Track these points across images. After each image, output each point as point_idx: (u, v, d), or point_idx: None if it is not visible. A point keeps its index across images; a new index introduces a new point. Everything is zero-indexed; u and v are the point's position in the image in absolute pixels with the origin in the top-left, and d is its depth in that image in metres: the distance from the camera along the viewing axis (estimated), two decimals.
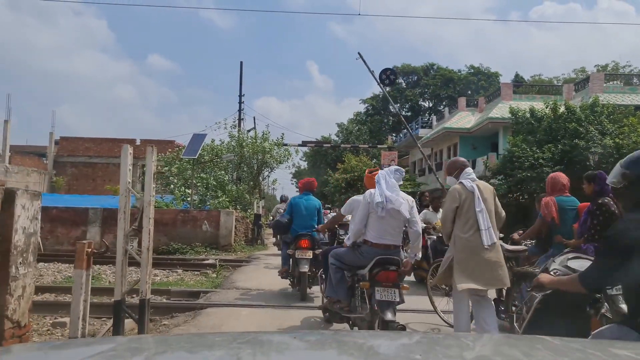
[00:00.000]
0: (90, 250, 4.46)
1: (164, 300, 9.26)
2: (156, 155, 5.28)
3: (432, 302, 7.05)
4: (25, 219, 4.62)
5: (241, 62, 33.12)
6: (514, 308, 5.72)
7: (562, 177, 5.98)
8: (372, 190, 5.21)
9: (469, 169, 5.22)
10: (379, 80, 17.40)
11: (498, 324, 5.44)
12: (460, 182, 5.13)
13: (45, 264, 13.70)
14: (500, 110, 30.56)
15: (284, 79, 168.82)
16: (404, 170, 5.52)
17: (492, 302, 5.26)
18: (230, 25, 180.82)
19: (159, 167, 27.38)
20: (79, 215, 18.38)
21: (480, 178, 5.65)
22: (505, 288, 5.67)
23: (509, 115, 24.20)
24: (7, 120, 33.67)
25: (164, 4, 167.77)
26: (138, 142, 39.82)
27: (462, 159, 5.53)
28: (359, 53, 16.36)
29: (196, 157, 20.48)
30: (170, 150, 29.67)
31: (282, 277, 9.14)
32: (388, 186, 5.13)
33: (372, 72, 16.95)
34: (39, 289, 9.52)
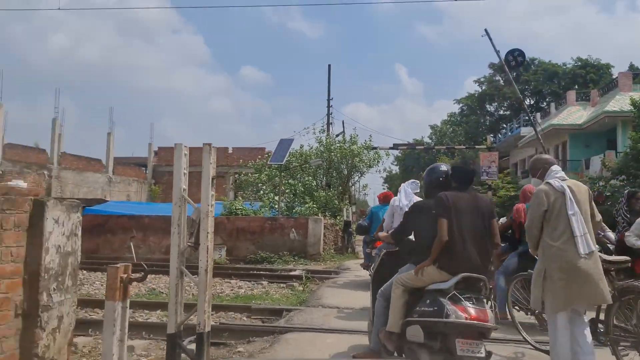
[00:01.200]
0: (125, 276, 3.54)
1: (244, 319, 8.42)
2: (214, 157, 4.32)
3: (518, 328, 6.17)
4: (60, 235, 3.80)
5: (329, 65, 32.26)
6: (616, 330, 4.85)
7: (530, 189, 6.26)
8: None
9: (556, 167, 4.67)
10: (504, 62, 17.23)
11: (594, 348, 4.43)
12: (547, 183, 4.54)
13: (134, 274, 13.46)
14: (618, 102, 27.37)
15: (372, 84, 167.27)
16: (418, 182, 6.78)
17: (588, 322, 4.52)
18: (318, 35, 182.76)
19: (249, 175, 27.21)
20: (169, 223, 18.27)
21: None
22: (605, 306, 4.84)
23: (630, 108, 21.35)
24: (109, 133, 35.28)
25: (255, 17, 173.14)
26: (230, 151, 40.41)
27: (545, 156, 5.14)
28: (485, 30, 16.62)
29: (283, 162, 19.85)
30: (259, 157, 29.49)
31: (364, 269, 11.53)
32: (406, 195, 6.50)
33: (497, 52, 17.07)
34: None
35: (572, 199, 4.39)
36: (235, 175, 32.44)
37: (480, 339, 3.90)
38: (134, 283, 3.98)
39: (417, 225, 4.59)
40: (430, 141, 61.08)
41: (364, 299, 9.10)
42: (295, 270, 14.70)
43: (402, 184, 6.96)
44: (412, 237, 4.77)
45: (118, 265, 3.63)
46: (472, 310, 3.89)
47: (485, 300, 4.14)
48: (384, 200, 10.52)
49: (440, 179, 4.63)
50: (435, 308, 3.96)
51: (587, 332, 4.35)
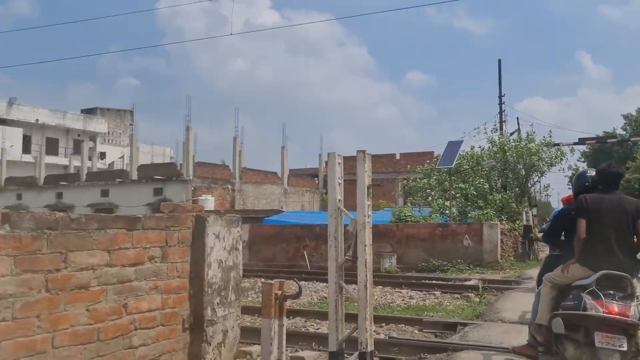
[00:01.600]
0: (280, 292, 3.41)
1: (415, 332, 8.01)
2: (369, 164, 4.05)
3: None
4: (221, 250, 3.83)
5: (499, 60, 30.31)
6: None
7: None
8: None
9: None
10: None
11: None
12: None
13: (306, 282, 13.84)
14: None
15: (549, 76, 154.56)
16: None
17: None
18: (485, 31, 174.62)
19: (417, 180, 26.65)
20: None
21: None
22: None
23: None
24: (283, 147, 37.42)
25: (418, 21, 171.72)
26: (398, 157, 40.24)
27: None
28: None
29: (452, 166, 19.00)
30: (427, 161, 28.77)
31: None
32: None
33: None
34: (291, 312, 9.25)
35: None
36: (404, 182, 32.09)
37: (622, 334, 3.98)
38: (305, 297, 3.86)
39: (565, 227, 5.13)
40: (624, 133, 54.21)
41: None
42: (470, 279, 13.84)
43: None
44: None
45: (272, 282, 3.51)
46: (611, 306, 4.04)
47: (631, 298, 4.17)
48: (569, 202, 9.53)
49: (586, 184, 5.00)
50: (576, 302, 4.25)
51: None
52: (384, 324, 8.48)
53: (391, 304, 10.96)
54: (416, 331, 8.10)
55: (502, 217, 20.40)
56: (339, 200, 4.20)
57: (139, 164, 31.82)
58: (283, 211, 27.46)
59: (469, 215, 20.55)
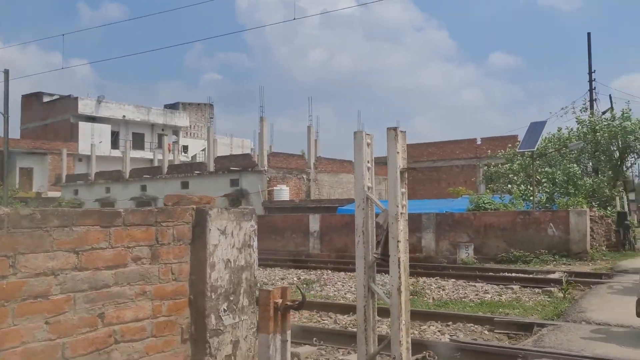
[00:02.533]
0: (281, 301, 2.87)
1: (485, 332, 7.24)
2: (404, 143, 3.40)
3: None
4: (229, 247, 3.34)
5: (588, 34, 27.78)
6: None
7: None
8: None
9: None
10: None
11: None
12: None
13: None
14: None
15: None
16: None
17: None
18: (575, 6, 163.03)
19: (499, 166, 25.12)
20: (413, 221, 17.78)
21: None
22: None
23: None
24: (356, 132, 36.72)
25: (499, 1, 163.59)
26: (479, 142, 38.31)
27: None
28: None
29: (535, 149, 17.56)
30: (510, 145, 27.05)
31: None
32: None
33: None
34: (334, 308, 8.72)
35: None
36: (484, 167, 30.44)
37: None
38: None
39: None
40: None
41: None
42: (554, 272, 12.63)
43: None
44: None
45: (271, 288, 2.96)
46: None
47: None
48: None
49: None
50: None
51: None
52: (450, 323, 7.76)
53: (463, 299, 10.15)
54: (486, 332, 7.32)
55: (593, 203, 18.65)
56: (368, 187, 3.59)
57: (218, 155, 32.44)
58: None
59: (556, 202, 18.99)
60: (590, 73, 28.26)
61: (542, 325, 7.01)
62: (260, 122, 29.43)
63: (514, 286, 10.94)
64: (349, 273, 13.50)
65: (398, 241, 3.29)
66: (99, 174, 37.55)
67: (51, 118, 46.23)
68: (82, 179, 38.85)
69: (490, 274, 12.77)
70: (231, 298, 3.34)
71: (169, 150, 36.97)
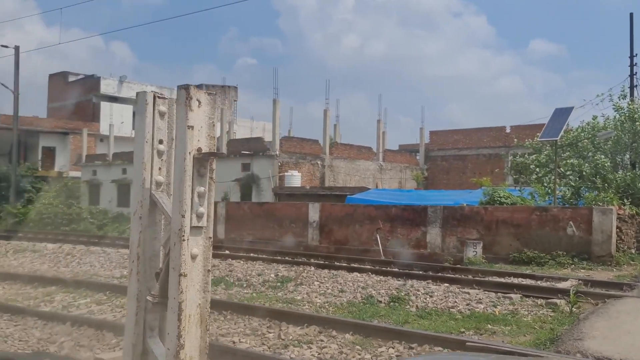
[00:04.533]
0: None
1: None
2: (210, 110, 2.00)
3: None
4: None
5: (631, 14, 25.35)
6: None
7: None
8: None
9: None
10: None
11: None
12: None
13: (376, 276, 11.87)
14: None
15: None
16: None
17: None
18: None
19: (525, 156, 23.17)
20: (418, 214, 16.26)
21: None
22: None
23: None
24: (379, 120, 35.12)
25: None
26: (508, 130, 36.10)
27: None
28: None
29: (558, 138, 15.71)
30: (538, 134, 24.99)
31: None
32: None
33: None
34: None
35: None
36: (511, 158, 28.41)
37: None
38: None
39: None
40: None
41: None
42: (566, 279, 10.97)
43: None
44: None
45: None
46: None
47: None
48: None
49: None
50: None
51: None
52: (415, 345, 6.35)
53: (451, 309, 8.70)
54: None
55: (625, 200, 16.68)
56: (158, 183, 2.21)
57: (231, 139, 31.34)
58: (369, 189, 25.44)
59: (583, 197, 17.09)
60: (631, 57, 25.84)
61: (524, 356, 5.53)
62: (273, 104, 28.14)
63: (513, 295, 9.40)
64: (332, 271, 12.17)
65: (182, 275, 1.92)
66: (117, 155, 37.05)
67: (75, 98, 46.10)
68: (101, 159, 38.48)
69: (491, 279, 11.22)
70: None
71: None
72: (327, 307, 8.95)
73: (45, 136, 42.22)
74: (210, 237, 2.14)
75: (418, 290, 9.95)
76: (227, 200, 25.73)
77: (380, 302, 9.26)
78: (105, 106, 43.76)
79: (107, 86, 44.93)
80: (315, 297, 9.60)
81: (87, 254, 15.45)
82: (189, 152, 1.99)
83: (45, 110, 49.73)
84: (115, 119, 42.00)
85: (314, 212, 17.84)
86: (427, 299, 9.40)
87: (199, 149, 2.07)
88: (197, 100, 2.08)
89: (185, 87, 2.02)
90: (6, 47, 26.52)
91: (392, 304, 9.07)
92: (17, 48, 27.27)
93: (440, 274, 12.09)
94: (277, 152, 27.48)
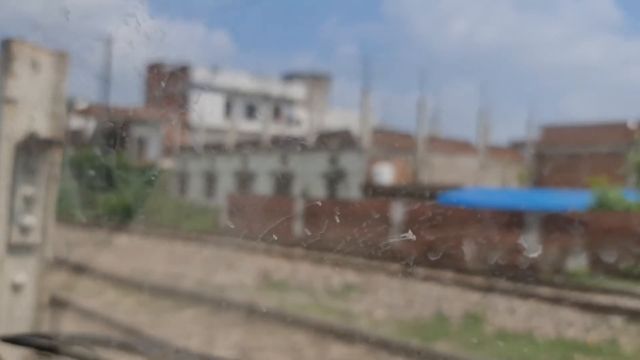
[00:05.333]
0: None
1: None
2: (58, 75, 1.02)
3: None
4: None
5: None
6: None
7: None
8: None
9: None
10: None
11: None
12: None
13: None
14: None
15: None
16: None
17: None
18: None
19: None
20: (514, 218, 14.39)
21: None
22: None
23: None
24: (483, 112, 32.82)
25: None
26: (632, 126, 32.11)
27: None
28: None
29: None
30: None
31: None
32: None
33: None
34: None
35: None
36: (634, 157, 24.97)
37: None
38: None
39: None
40: None
41: None
42: None
43: None
44: None
45: None
46: None
47: None
48: None
49: None
50: None
51: None
52: None
53: (534, 332, 7.16)
54: None
55: None
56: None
57: (320, 131, 30.72)
58: (465, 187, 23.54)
59: None
60: None
61: None
62: (362, 95, 27.02)
63: (615, 318, 7.60)
64: (405, 279, 10.92)
65: None
66: (206, 146, 37.93)
67: (168, 88, 47.83)
68: (191, 150, 39.57)
69: (592, 297, 9.33)
70: None
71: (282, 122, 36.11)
72: (387, 322, 7.81)
73: (138, 126, 43.76)
74: (49, 258, 1.62)
75: (499, 306, 8.45)
76: (306, 197, 24.77)
77: (452, 318, 7.93)
78: (196, 96, 44.90)
79: (201, 75, 45.66)
80: (377, 310, 8.45)
81: None
82: (8, 138, 1.22)
83: (139, 100, 52.07)
84: (206, 109, 42.85)
85: (397, 212, 16.52)
86: (508, 317, 7.91)
87: (32, 134, 1.45)
88: (32, 61, 1.41)
89: (6, 42, 1.31)
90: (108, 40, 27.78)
91: (466, 321, 7.77)
92: (109, 40, 28.42)
93: (529, 286, 10.38)
94: (366, 146, 26.34)
